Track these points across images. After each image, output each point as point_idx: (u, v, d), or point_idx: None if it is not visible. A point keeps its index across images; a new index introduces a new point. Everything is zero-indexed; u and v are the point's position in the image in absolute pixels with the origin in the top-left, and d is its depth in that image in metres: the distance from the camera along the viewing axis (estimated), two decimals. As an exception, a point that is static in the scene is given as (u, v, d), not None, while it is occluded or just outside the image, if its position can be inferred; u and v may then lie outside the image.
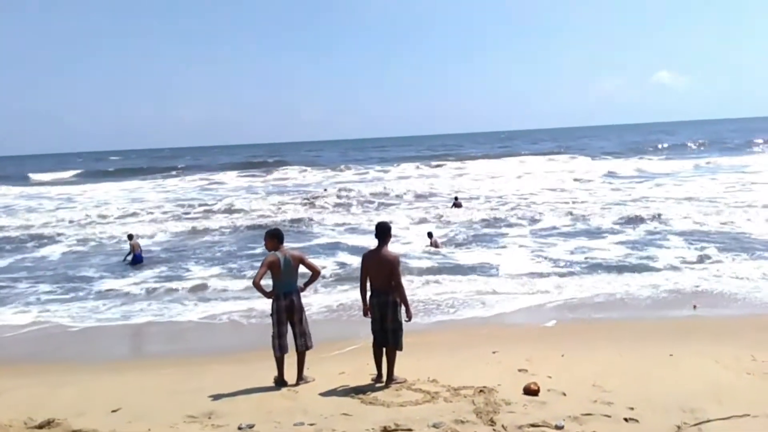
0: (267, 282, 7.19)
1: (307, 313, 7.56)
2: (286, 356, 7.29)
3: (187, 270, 15.84)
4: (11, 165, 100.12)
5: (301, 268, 7.37)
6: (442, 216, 23.55)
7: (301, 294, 7.39)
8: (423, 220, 22.93)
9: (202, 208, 29.36)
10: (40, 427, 5.94)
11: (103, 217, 27.52)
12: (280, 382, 7.27)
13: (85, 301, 12.96)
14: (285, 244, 7.37)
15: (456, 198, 26.99)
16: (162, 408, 6.56)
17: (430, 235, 17.97)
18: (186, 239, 21.13)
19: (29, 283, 14.81)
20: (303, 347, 7.33)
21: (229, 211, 28.21)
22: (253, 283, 7.11)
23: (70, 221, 26.34)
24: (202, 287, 13.78)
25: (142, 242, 17.83)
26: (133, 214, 27.95)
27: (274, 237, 7.31)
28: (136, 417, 6.29)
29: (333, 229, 21.90)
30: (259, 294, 7.32)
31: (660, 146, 72.02)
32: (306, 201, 30.26)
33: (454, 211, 24.65)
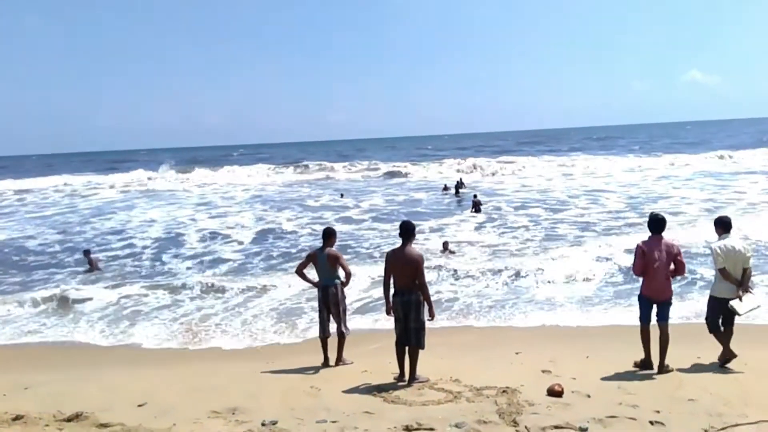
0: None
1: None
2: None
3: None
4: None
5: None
6: None
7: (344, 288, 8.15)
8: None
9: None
10: (69, 420, 6.04)
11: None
12: (323, 363, 8.03)
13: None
14: None
15: (475, 196, 24.76)
16: (186, 403, 6.63)
17: (445, 245, 16.26)
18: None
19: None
20: (339, 335, 8.06)
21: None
22: (295, 271, 8.36)
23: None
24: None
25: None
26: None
27: (323, 235, 8.23)
28: (162, 412, 6.36)
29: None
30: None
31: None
32: None
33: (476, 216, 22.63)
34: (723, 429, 5.37)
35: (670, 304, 7.20)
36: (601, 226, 19.76)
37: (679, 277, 7.48)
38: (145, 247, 19.32)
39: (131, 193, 39.79)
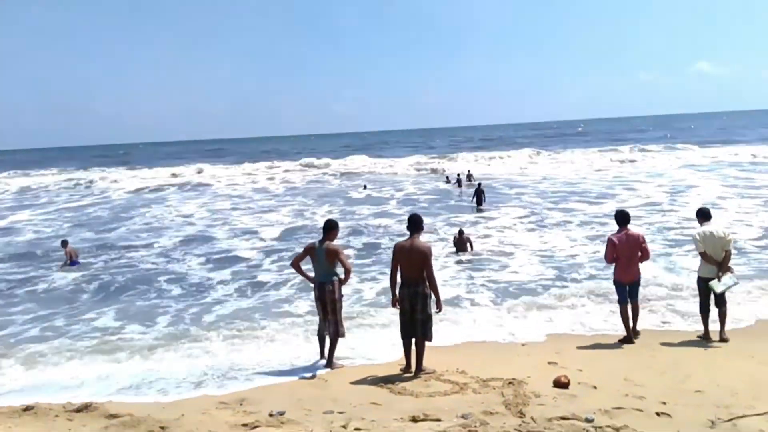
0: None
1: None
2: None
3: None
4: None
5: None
6: None
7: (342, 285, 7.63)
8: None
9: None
10: (78, 410, 6.09)
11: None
12: (322, 360, 7.72)
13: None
14: None
15: (479, 185, 24.09)
16: (194, 394, 6.68)
17: (460, 233, 15.44)
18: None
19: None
20: (333, 335, 7.59)
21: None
22: (291, 263, 7.91)
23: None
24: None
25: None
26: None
27: (323, 227, 7.76)
28: (170, 403, 6.42)
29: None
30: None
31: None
32: None
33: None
34: (729, 420, 5.35)
35: (638, 284, 8.34)
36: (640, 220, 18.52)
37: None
38: (163, 242, 18.60)
39: (162, 188, 39.54)
